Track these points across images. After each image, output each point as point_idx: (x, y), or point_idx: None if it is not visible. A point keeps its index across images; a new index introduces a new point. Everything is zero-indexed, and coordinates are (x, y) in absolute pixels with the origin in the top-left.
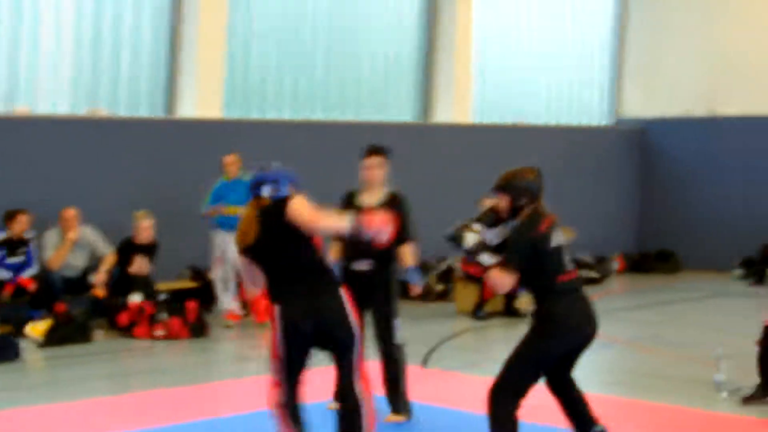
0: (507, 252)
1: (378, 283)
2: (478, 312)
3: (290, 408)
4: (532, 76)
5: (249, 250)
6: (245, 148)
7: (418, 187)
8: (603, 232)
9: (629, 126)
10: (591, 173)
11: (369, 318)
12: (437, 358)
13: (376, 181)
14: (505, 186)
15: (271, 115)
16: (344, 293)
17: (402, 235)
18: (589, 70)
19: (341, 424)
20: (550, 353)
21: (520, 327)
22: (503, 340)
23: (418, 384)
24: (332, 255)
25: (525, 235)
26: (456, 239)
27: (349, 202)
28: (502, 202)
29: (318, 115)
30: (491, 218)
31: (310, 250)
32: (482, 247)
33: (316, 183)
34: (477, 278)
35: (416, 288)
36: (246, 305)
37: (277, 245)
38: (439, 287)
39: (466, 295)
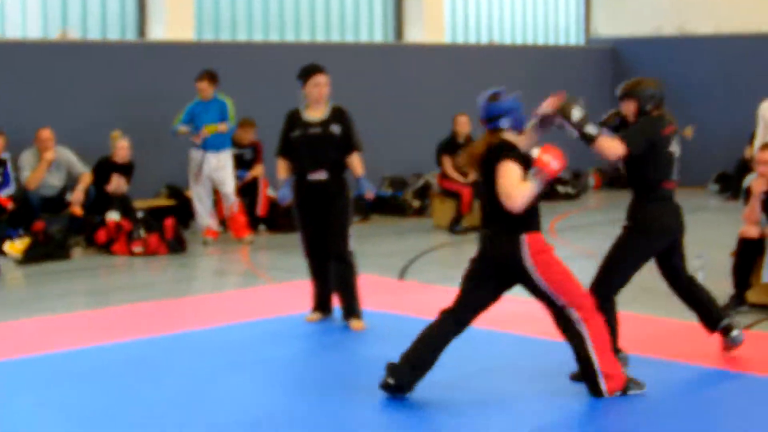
0: (626, 132)
1: (334, 192)
2: (455, 227)
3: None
4: None
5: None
6: (217, 69)
7: (392, 107)
8: (578, 149)
9: (600, 45)
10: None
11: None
12: (414, 272)
13: (323, 98)
14: (631, 92)
15: (242, 37)
16: None
17: (349, 146)
18: None
19: None
20: (648, 252)
21: None
22: None
23: (395, 296)
24: (281, 173)
25: (648, 129)
26: (563, 112)
27: (295, 119)
28: (629, 107)
29: (288, 36)
30: (616, 121)
31: None
32: (587, 119)
33: (288, 104)
34: (454, 193)
35: (369, 193)
36: (223, 222)
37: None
38: (416, 203)
39: (443, 210)
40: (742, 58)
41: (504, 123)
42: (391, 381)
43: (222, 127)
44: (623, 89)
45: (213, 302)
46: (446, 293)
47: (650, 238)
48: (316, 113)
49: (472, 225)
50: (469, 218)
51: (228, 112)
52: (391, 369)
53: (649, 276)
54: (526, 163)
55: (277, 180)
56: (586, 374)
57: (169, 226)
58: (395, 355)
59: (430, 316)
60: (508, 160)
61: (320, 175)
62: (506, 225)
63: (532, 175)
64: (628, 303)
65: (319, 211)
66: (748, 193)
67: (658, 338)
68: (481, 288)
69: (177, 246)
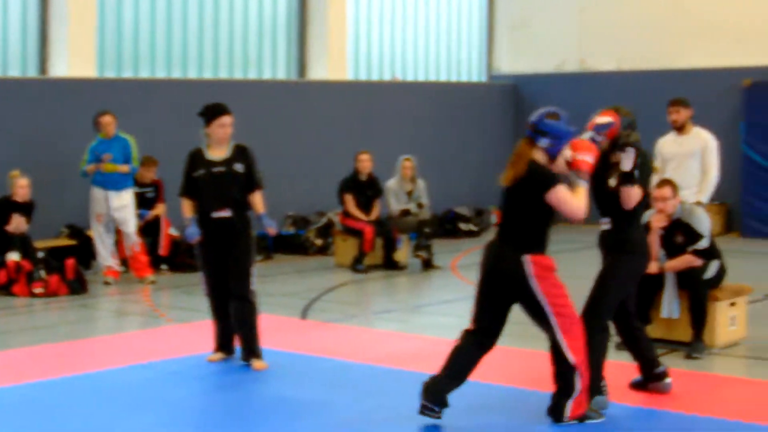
0: (635, 175)
1: (238, 230)
2: (357, 265)
3: None
4: (407, 33)
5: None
6: (119, 106)
7: (295, 144)
8: (480, 185)
9: (502, 81)
10: (466, 128)
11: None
12: (316, 311)
13: (227, 139)
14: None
15: (144, 73)
16: None
17: (252, 183)
18: (463, 27)
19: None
20: (640, 274)
21: (399, 279)
22: (382, 293)
23: (297, 335)
24: (186, 212)
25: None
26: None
27: (198, 158)
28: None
29: (191, 73)
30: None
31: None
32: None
33: (191, 142)
34: (356, 231)
35: (271, 230)
36: (125, 261)
37: (523, 203)
38: (319, 241)
39: (345, 248)
40: (642, 94)
41: (543, 142)
42: (426, 402)
43: (123, 168)
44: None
45: (114, 343)
46: (348, 332)
47: (642, 262)
48: (219, 152)
49: (375, 263)
50: (372, 256)
51: (131, 151)
52: (426, 389)
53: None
54: (563, 180)
55: (183, 219)
56: (560, 397)
57: (70, 266)
58: (296, 395)
59: (332, 354)
60: (556, 187)
61: (224, 213)
62: (513, 244)
63: (577, 178)
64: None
65: (222, 250)
66: (646, 229)
67: None
68: (491, 300)
69: (78, 287)
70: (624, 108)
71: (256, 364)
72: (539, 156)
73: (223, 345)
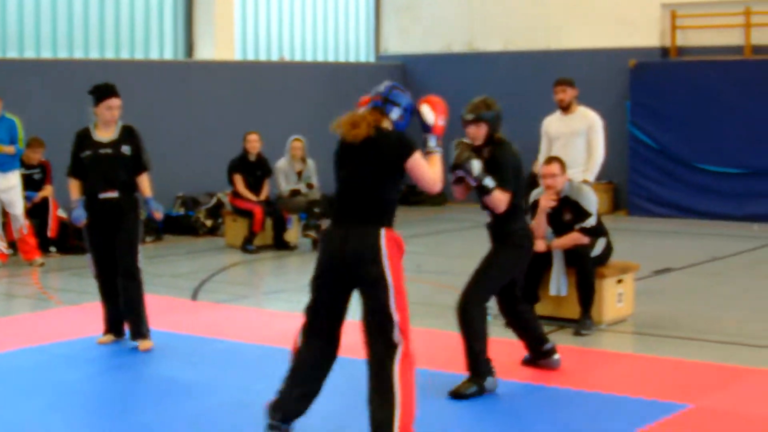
0: (502, 176)
1: (125, 210)
2: (247, 245)
3: None
4: (295, 13)
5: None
6: (4, 87)
7: (183, 125)
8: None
9: (389, 62)
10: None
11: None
12: (207, 291)
13: (115, 121)
14: (481, 116)
15: (30, 54)
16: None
17: (138, 166)
18: (351, 7)
19: None
20: (522, 262)
21: (290, 259)
22: (273, 273)
23: (187, 316)
24: (74, 194)
25: (514, 161)
26: (464, 167)
27: (85, 139)
28: (479, 131)
29: (78, 53)
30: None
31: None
32: (485, 171)
33: (78, 122)
34: (246, 212)
35: (158, 213)
36: (13, 244)
37: (370, 171)
38: (209, 222)
39: (235, 229)
40: (529, 74)
41: (394, 113)
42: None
43: (9, 149)
44: (473, 112)
45: (3, 326)
46: (238, 312)
47: (523, 253)
48: (106, 133)
49: (265, 243)
50: (262, 237)
51: (17, 132)
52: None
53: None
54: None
55: (69, 200)
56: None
57: None
58: (187, 376)
59: (222, 335)
60: (415, 153)
61: (111, 194)
62: (367, 218)
63: (432, 145)
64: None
65: (109, 230)
66: (534, 208)
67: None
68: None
69: None
70: (489, 99)
71: (143, 344)
72: (387, 125)
73: (113, 327)
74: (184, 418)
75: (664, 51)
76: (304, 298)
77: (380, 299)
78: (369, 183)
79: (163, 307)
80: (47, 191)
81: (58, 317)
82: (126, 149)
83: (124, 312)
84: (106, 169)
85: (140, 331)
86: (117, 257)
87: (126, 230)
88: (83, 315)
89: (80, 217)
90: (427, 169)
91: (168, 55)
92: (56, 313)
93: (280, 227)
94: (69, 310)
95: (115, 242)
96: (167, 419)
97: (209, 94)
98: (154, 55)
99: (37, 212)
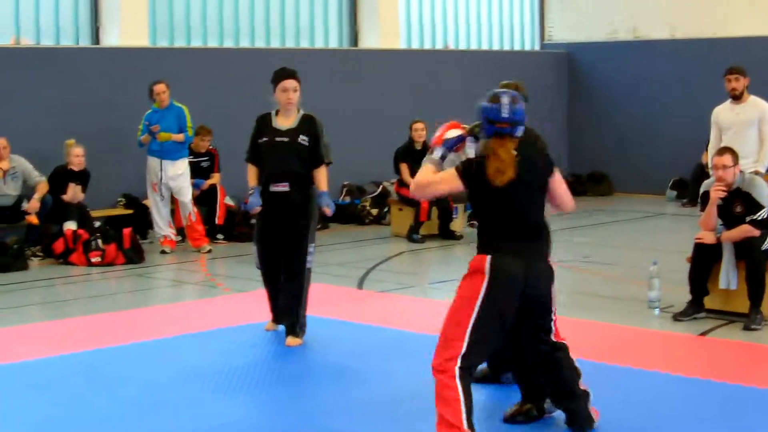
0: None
1: (296, 205)
2: (413, 235)
3: None
4: (459, 1)
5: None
6: (172, 76)
7: (349, 114)
8: None
9: (555, 50)
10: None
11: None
12: (373, 281)
13: (293, 104)
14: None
15: (197, 43)
16: None
17: (316, 159)
18: None
19: None
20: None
21: (456, 249)
22: (439, 262)
23: (353, 304)
24: (251, 180)
25: None
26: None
27: (264, 125)
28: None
29: (243, 42)
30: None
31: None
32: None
33: (245, 111)
34: (412, 201)
35: (328, 210)
36: (181, 231)
37: (532, 191)
38: (374, 211)
39: (401, 218)
40: (696, 62)
41: (519, 132)
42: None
43: (178, 137)
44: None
45: (171, 312)
46: (404, 302)
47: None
48: (285, 121)
49: (431, 233)
50: (428, 226)
51: (185, 120)
52: None
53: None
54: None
55: (246, 187)
56: None
57: (126, 235)
58: (354, 364)
59: (388, 324)
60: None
61: (282, 187)
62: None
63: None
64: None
65: (278, 225)
66: (704, 199)
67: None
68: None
69: (135, 256)
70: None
71: (290, 340)
72: None
73: (279, 316)
74: (354, 405)
75: None
76: None
77: None
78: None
79: (329, 296)
80: (215, 179)
81: (225, 304)
82: (304, 139)
83: (281, 310)
84: (281, 158)
85: (293, 330)
86: (284, 256)
87: (297, 231)
88: (250, 302)
89: (254, 204)
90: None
91: (333, 44)
92: (223, 300)
93: (446, 217)
94: (236, 297)
95: (283, 238)
96: (337, 406)
97: (374, 83)
98: (319, 44)
99: (204, 200)
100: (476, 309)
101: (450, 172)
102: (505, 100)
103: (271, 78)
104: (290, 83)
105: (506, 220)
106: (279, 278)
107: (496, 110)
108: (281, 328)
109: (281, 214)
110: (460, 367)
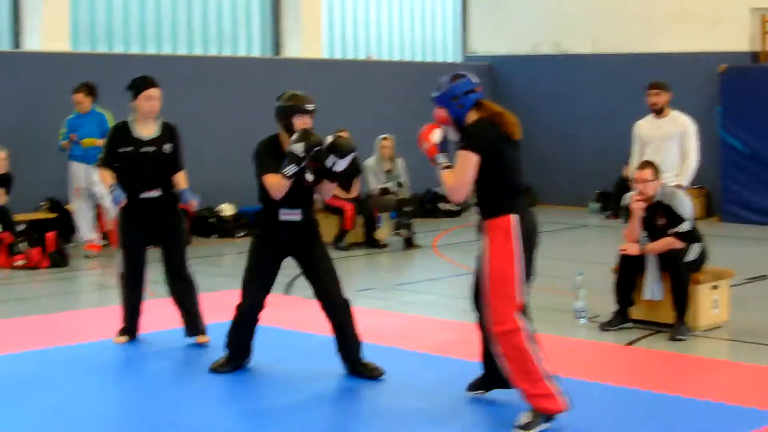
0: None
1: (167, 209)
2: (338, 243)
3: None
4: (382, 12)
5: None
6: (94, 81)
7: (272, 121)
8: None
9: (477, 62)
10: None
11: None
12: (299, 287)
13: (155, 112)
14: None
15: (119, 49)
16: None
17: (177, 165)
18: (438, 7)
19: None
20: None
21: (381, 257)
22: (364, 271)
23: (279, 310)
24: (108, 180)
25: None
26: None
27: (123, 134)
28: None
29: (166, 49)
30: None
31: None
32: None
33: (168, 116)
34: (337, 209)
35: (194, 203)
36: (105, 236)
37: None
38: None
39: (326, 226)
40: (618, 76)
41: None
42: None
43: (101, 142)
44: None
45: (95, 316)
46: None
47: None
48: (146, 130)
49: (356, 241)
50: (353, 234)
51: (107, 126)
52: None
53: None
54: None
55: (109, 187)
56: None
57: (50, 239)
58: (279, 367)
59: (314, 330)
60: None
61: (153, 193)
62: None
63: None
64: None
65: (149, 230)
66: (628, 212)
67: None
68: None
69: (59, 260)
70: None
71: (201, 338)
72: None
73: (131, 328)
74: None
75: (755, 55)
76: (395, 296)
77: None
78: None
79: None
80: None
81: (150, 309)
82: (167, 147)
83: (183, 311)
84: (148, 167)
85: (199, 327)
86: (166, 259)
87: (173, 233)
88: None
89: (119, 197)
90: None
91: (256, 53)
92: (149, 305)
93: (370, 225)
94: (161, 302)
95: (158, 240)
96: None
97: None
98: (242, 52)
99: None
100: (515, 264)
101: (463, 157)
102: (462, 73)
103: (131, 85)
104: (155, 92)
105: (516, 177)
106: (142, 285)
107: (466, 81)
108: (129, 341)
109: (153, 218)
110: (518, 317)
